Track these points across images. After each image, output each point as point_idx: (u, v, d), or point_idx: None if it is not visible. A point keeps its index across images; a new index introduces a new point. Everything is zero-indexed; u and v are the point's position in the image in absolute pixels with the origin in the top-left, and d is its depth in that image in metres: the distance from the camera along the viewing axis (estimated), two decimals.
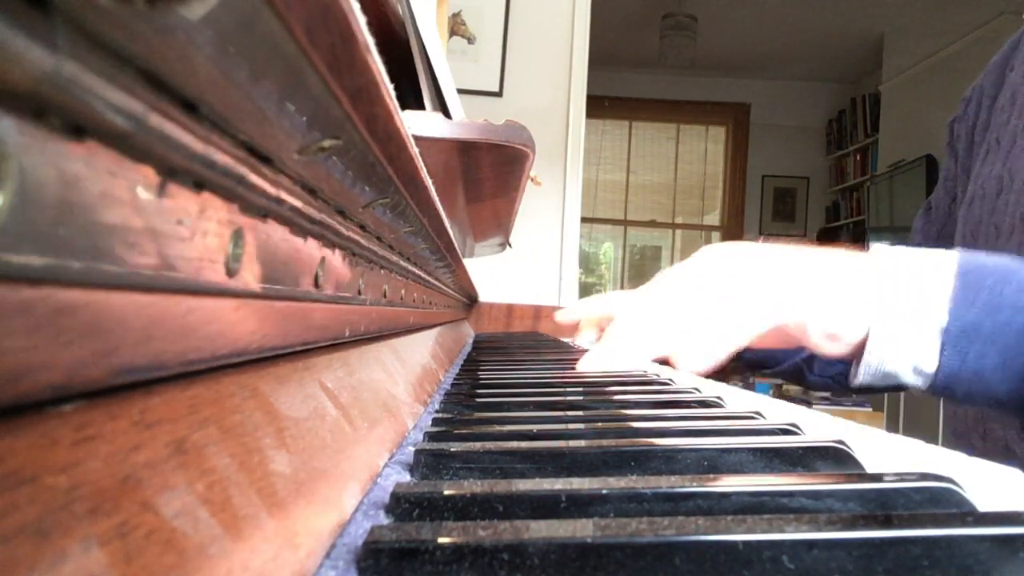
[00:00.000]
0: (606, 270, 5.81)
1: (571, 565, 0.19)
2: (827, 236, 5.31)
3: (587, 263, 5.65)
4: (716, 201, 5.65)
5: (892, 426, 3.49)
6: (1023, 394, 0.47)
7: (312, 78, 0.17)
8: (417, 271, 0.56)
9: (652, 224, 5.71)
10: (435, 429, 0.36)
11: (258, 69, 0.15)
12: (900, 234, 4.08)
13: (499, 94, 2.40)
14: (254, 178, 0.18)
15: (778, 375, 0.81)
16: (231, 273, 0.18)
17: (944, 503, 0.24)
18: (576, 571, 0.19)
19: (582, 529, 0.20)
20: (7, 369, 0.11)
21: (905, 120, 4.23)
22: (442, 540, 0.19)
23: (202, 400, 0.18)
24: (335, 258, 0.30)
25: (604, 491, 0.24)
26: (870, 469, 0.30)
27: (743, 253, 0.57)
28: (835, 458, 0.31)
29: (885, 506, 0.24)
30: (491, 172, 0.79)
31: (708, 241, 5.64)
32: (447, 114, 0.70)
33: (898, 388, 0.55)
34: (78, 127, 0.11)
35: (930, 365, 0.49)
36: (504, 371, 0.74)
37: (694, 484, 0.25)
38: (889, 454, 0.35)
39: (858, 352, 0.52)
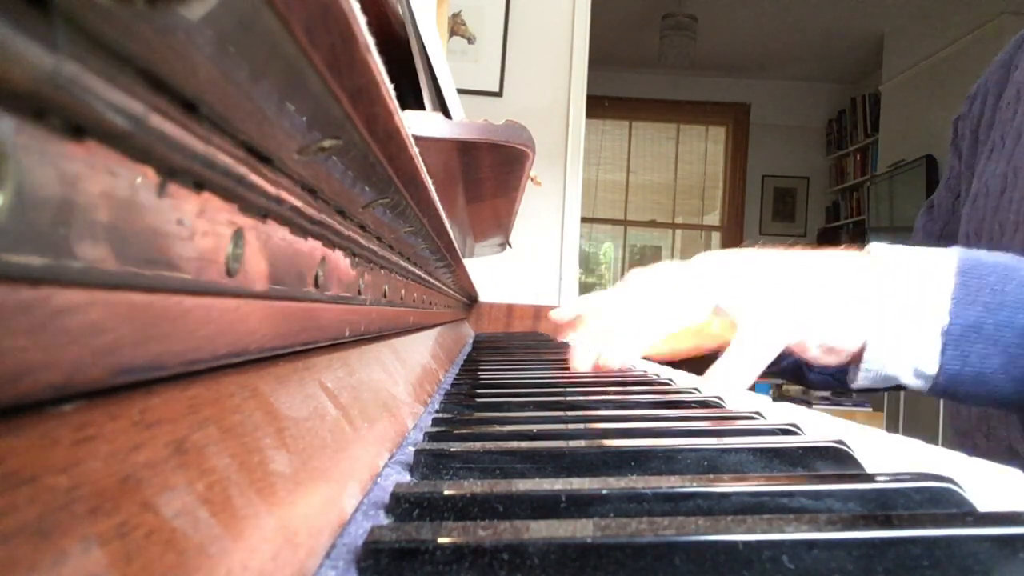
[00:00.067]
0: (606, 270, 5.81)
1: (571, 565, 0.19)
2: (827, 236, 5.31)
3: (587, 263, 5.65)
4: (716, 201, 5.65)
5: (892, 426, 3.49)
6: None
7: (312, 78, 0.17)
8: (417, 271, 0.56)
9: (652, 224, 5.70)
10: (435, 429, 0.36)
11: (258, 69, 0.15)
12: (900, 234, 4.07)
13: (499, 94, 2.40)
14: (254, 178, 0.18)
15: (778, 375, 0.81)
16: (231, 273, 0.18)
17: (944, 503, 0.24)
18: (576, 571, 0.19)
19: (582, 529, 0.20)
20: (7, 369, 0.11)
21: (905, 120, 4.23)
22: (442, 540, 0.19)
23: (202, 400, 0.18)
24: (335, 258, 0.30)
25: (604, 491, 0.24)
26: (870, 469, 0.30)
27: (741, 261, 0.58)
28: (835, 458, 0.31)
29: (885, 506, 0.24)
30: (491, 172, 0.79)
31: (708, 241, 5.64)
32: (447, 114, 0.70)
33: (899, 388, 0.55)
34: (78, 127, 0.11)
35: (931, 367, 0.48)
36: (504, 371, 0.74)
37: (694, 484, 0.25)
38: (889, 454, 0.35)
39: (858, 358, 0.52)
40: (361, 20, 0.17)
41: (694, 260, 0.62)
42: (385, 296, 0.44)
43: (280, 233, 0.22)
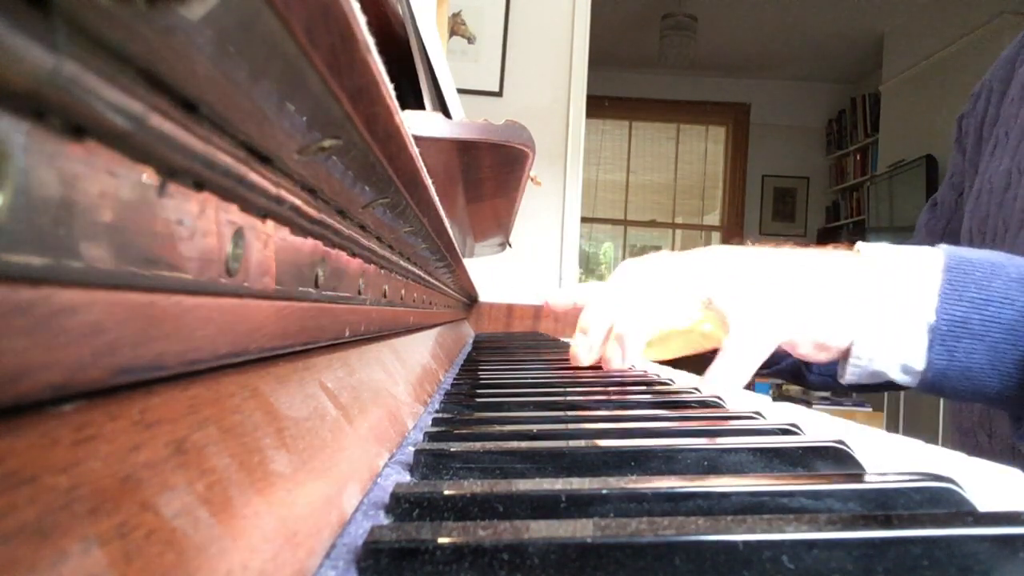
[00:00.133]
0: (606, 270, 5.81)
1: (571, 565, 0.19)
2: (827, 236, 5.31)
3: (587, 263, 5.65)
4: (716, 201, 5.65)
5: (892, 426, 3.49)
6: (1013, 390, 0.46)
7: (312, 78, 0.17)
8: (417, 271, 0.56)
9: (652, 224, 5.70)
10: (435, 429, 0.36)
11: (258, 69, 0.15)
12: (900, 234, 4.08)
13: (499, 94, 2.40)
14: (254, 178, 0.18)
15: (777, 374, 0.81)
16: (231, 273, 0.18)
17: (944, 503, 0.24)
18: (576, 571, 0.19)
19: (582, 529, 0.20)
20: (7, 369, 0.11)
21: (905, 120, 4.23)
22: (442, 540, 0.19)
23: (202, 400, 0.18)
24: (335, 258, 0.30)
25: (604, 491, 0.24)
26: (870, 469, 0.30)
27: (732, 256, 0.58)
28: (835, 458, 0.31)
29: (885, 506, 0.24)
30: (491, 172, 0.79)
31: (708, 241, 5.64)
32: (447, 114, 0.70)
33: (890, 385, 0.55)
34: (78, 127, 0.11)
35: (918, 363, 0.48)
36: (504, 371, 0.74)
37: (694, 484, 0.25)
38: (889, 454, 0.35)
39: (848, 354, 0.52)
40: (361, 20, 0.17)
41: (686, 254, 0.62)
42: (385, 296, 0.44)
43: (280, 233, 0.22)
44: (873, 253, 0.52)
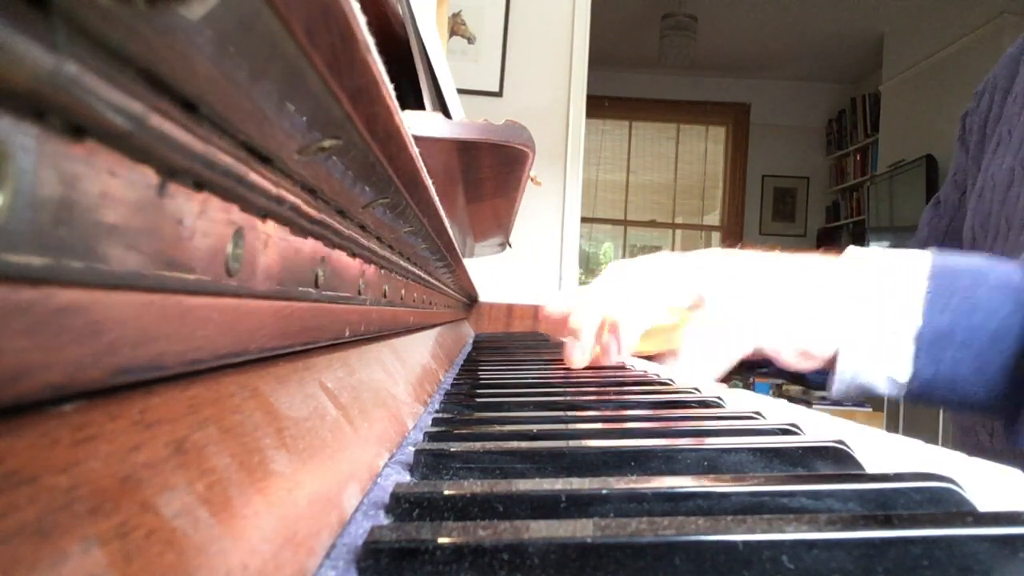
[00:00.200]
0: None
1: (571, 565, 0.19)
2: (827, 236, 5.31)
3: (587, 263, 5.65)
4: (716, 201, 5.65)
5: (892, 426, 3.49)
6: (1000, 398, 0.46)
7: (312, 78, 0.17)
8: (417, 271, 0.56)
9: (652, 224, 5.70)
10: (435, 429, 0.36)
11: (258, 69, 0.15)
12: (900, 234, 4.08)
13: (499, 94, 2.40)
14: (254, 178, 0.18)
15: (777, 374, 0.81)
16: (231, 273, 0.18)
17: (944, 503, 0.24)
18: (576, 571, 0.19)
19: (582, 529, 0.20)
20: (7, 369, 0.11)
21: (905, 120, 4.23)
22: (442, 540, 0.19)
23: (202, 400, 0.18)
24: (335, 258, 0.30)
25: (604, 491, 0.24)
26: (870, 469, 0.30)
27: (721, 258, 0.58)
28: (835, 458, 0.31)
29: (885, 506, 0.24)
30: (491, 172, 0.79)
31: (708, 241, 5.64)
32: (447, 114, 0.70)
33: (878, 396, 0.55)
34: (78, 127, 0.11)
35: (904, 374, 0.48)
36: (504, 371, 0.74)
37: (694, 484, 0.25)
38: (889, 454, 0.35)
39: (833, 363, 0.52)
40: (361, 20, 0.17)
41: (674, 254, 0.62)
42: (385, 296, 0.44)
43: (280, 233, 0.22)
44: (860, 259, 0.52)
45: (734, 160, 5.54)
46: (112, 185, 0.12)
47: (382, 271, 0.42)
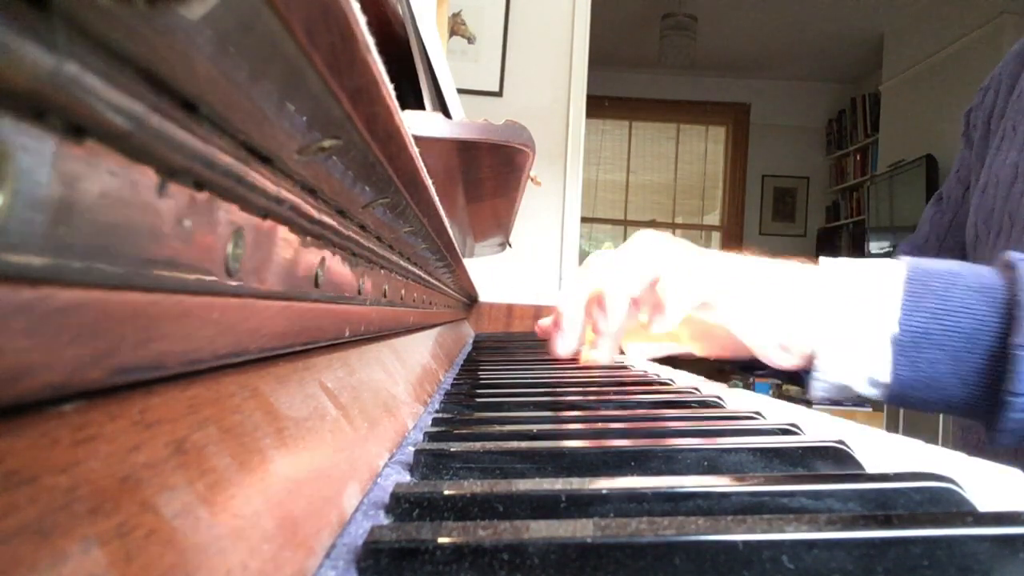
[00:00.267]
0: None
1: (571, 565, 0.19)
2: (827, 236, 5.31)
3: None
4: (716, 201, 5.65)
5: (892, 426, 3.49)
6: (978, 400, 0.46)
7: (312, 78, 0.17)
8: (417, 271, 0.56)
9: (652, 224, 5.70)
10: (435, 429, 0.36)
11: (258, 69, 0.15)
12: (900, 234, 4.08)
13: (499, 94, 2.40)
14: (254, 178, 0.18)
15: (776, 375, 0.81)
16: (231, 273, 0.18)
17: (944, 503, 0.24)
18: (576, 571, 0.19)
19: (582, 529, 0.20)
20: (7, 369, 0.11)
21: (905, 120, 4.23)
22: (442, 540, 0.19)
23: (202, 400, 0.18)
24: (335, 258, 0.30)
25: (604, 491, 0.24)
26: (870, 469, 0.30)
27: (706, 250, 0.58)
28: (835, 458, 0.31)
29: (885, 506, 0.24)
30: (491, 172, 0.79)
31: (708, 240, 5.64)
32: (447, 114, 0.70)
33: (860, 399, 0.55)
34: (78, 127, 0.11)
35: (883, 375, 0.48)
36: (504, 371, 0.74)
37: (694, 484, 0.25)
38: (889, 454, 0.35)
39: (811, 360, 0.52)
40: (361, 20, 0.17)
41: (654, 241, 0.60)
42: (385, 296, 0.44)
43: (280, 233, 0.22)
44: (835, 267, 0.52)
45: (734, 160, 5.54)
46: (112, 185, 0.12)
47: (382, 271, 0.42)
